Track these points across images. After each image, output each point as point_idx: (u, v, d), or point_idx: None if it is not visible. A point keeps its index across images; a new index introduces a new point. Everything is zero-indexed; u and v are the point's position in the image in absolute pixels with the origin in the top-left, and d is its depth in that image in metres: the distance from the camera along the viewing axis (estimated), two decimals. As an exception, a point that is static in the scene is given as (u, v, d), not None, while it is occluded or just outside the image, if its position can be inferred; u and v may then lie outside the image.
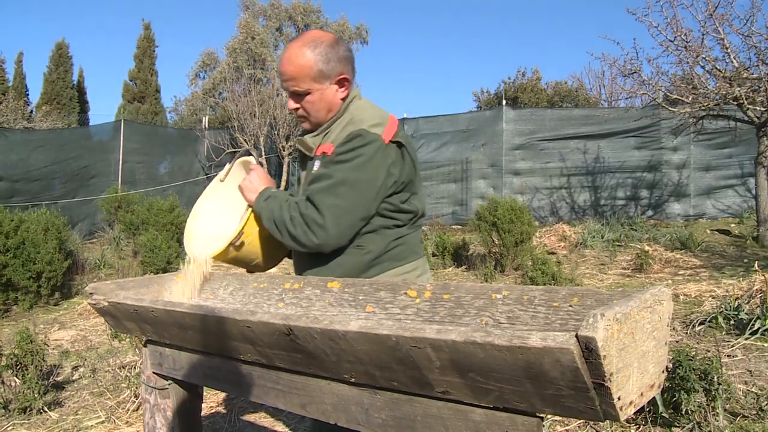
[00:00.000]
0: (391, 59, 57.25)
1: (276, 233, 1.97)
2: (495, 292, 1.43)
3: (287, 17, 26.21)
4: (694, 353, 3.34)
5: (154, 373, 2.02)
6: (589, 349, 0.91)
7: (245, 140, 16.56)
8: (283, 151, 16.64)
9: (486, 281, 7.50)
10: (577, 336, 0.91)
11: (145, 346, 2.05)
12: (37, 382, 4.06)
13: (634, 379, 1.05)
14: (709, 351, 4.04)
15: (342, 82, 2.05)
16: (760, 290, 5.15)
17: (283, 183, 16.61)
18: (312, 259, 2.02)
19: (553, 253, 9.20)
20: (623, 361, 1.00)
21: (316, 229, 1.84)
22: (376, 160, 1.86)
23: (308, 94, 2.00)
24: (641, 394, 1.08)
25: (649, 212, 12.99)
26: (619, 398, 0.98)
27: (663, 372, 1.17)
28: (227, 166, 2.34)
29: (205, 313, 1.54)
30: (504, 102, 15.66)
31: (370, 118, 1.96)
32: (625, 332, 1.00)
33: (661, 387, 1.17)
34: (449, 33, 57.98)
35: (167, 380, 2.02)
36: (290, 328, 1.30)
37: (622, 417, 1.01)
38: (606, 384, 0.94)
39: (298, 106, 2.04)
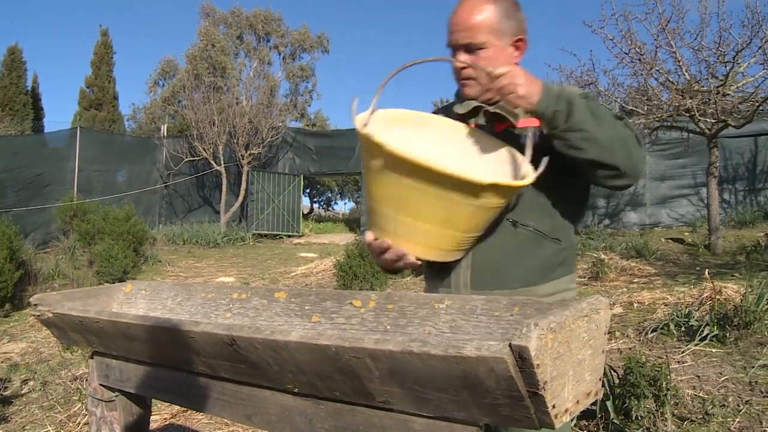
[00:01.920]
0: (352, 68, 57.39)
1: (613, 154, 1.54)
2: (438, 301, 1.45)
3: (248, 25, 26.13)
4: (644, 360, 3.40)
5: (100, 385, 1.99)
6: (522, 358, 0.93)
7: (204, 149, 16.42)
8: (242, 160, 16.53)
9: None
10: (510, 345, 0.93)
11: (91, 357, 2.01)
12: (-18, 397, 3.97)
13: (570, 387, 1.07)
14: (660, 358, 4.11)
15: (519, 45, 1.76)
16: (710, 297, 5.27)
17: (242, 193, 16.50)
18: (507, 252, 1.67)
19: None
20: (558, 369, 1.02)
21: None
22: None
23: (482, 48, 1.70)
24: (577, 402, 1.10)
25: (606, 221, 13.22)
26: (554, 406, 1.00)
27: (599, 380, 1.19)
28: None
29: (150, 323, 1.53)
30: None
31: None
32: (560, 341, 1.02)
33: (598, 395, 1.19)
34: (408, 42, 58.31)
35: (114, 392, 1.99)
36: (233, 338, 1.29)
37: (557, 424, 1.02)
38: (540, 392, 0.96)
39: (469, 60, 1.70)
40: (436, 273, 1.74)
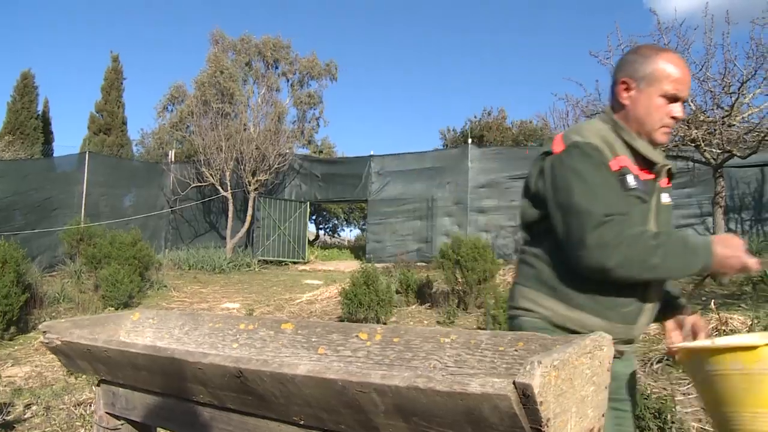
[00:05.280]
0: (360, 96, 57.82)
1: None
2: (443, 336, 1.46)
3: (257, 52, 26.35)
4: (649, 392, 3.39)
5: (106, 413, 2.01)
6: (526, 395, 0.95)
7: (211, 174, 16.50)
8: (249, 186, 16.59)
9: (449, 319, 7.53)
10: (514, 383, 0.94)
11: (98, 385, 2.03)
12: (-15, 422, 3.96)
13: (573, 423, 1.08)
14: (665, 389, 4.09)
15: None
16: (716, 328, 5.26)
17: (248, 219, 16.54)
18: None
19: (516, 291, 9.25)
20: (561, 406, 1.03)
21: None
22: None
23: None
24: (580, 439, 1.11)
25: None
26: (557, 443, 1.01)
27: (602, 416, 1.20)
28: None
29: (158, 354, 1.55)
30: (469, 140, 15.88)
31: None
32: (563, 378, 1.04)
33: (601, 430, 1.21)
34: (417, 71, 58.78)
35: (120, 420, 2.00)
36: (240, 370, 1.31)
37: (560, 461, 1.04)
38: (543, 429, 0.97)
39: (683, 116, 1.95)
40: None
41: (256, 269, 14.99)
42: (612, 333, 1.52)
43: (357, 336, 1.62)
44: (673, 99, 1.86)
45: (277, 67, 26.85)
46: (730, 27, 9.07)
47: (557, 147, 1.82)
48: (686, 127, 9.54)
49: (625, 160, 1.82)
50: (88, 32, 55.23)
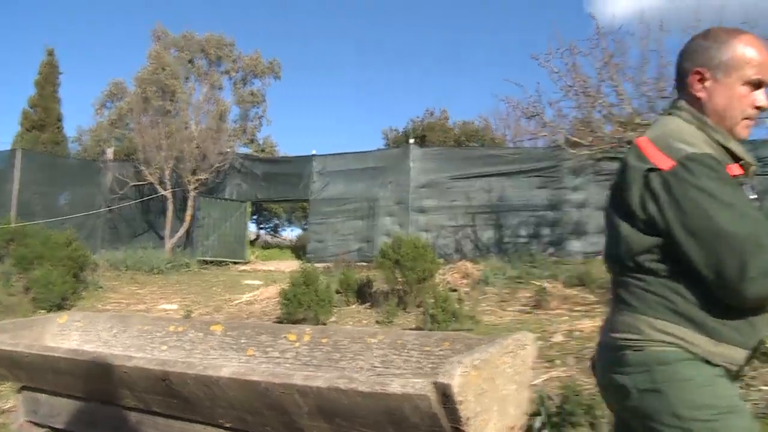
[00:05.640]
0: (304, 95, 57.51)
1: None
2: (371, 336, 1.47)
3: (199, 49, 25.95)
4: (581, 388, 3.46)
5: (28, 421, 1.94)
6: (445, 395, 0.96)
7: (150, 173, 16.18)
8: (189, 185, 16.34)
9: (388, 319, 7.55)
10: (434, 383, 0.95)
11: (19, 392, 1.97)
12: None
13: (494, 421, 1.09)
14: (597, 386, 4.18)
15: None
16: None
17: (187, 218, 16.28)
18: None
19: (455, 291, 9.33)
20: (482, 405, 1.04)
21: None
22: None
23: None
24: (502, 437, 1.13)
25: (551, 249, 13.41)
26: (477, 441, 1.03)
27: (525, 414, 1.22)
28: None
29: (81, 357, 1.51)
30: (411, 140, 15.96)
31: None
32: (484, 377, 1.05)
33: (523, 429, 1.23)
34: (361, 71, 58.78)
35: (43, 428, 1.94)
36: (166, 373, 1.29)
37: (481, 459, 1.05)
38: (463, 428, 0.99)
39: None
40: None
41: (196, 270, 14.75)
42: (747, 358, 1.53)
43: (285, 337, 1.61)
44: (757, 85, 1.70)
45: (220, 65, 26.51)
46: (664, 34, 9.35)
47: (662, 162, 1.61)
48: (622, 130, 9.81)
49: (735, 167, 1.65)
50: (20, 23, 53.41)
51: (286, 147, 35.02)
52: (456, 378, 0.90)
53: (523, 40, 49.54)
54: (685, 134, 1.66)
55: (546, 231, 13.67)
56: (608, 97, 10.26)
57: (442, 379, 0.90)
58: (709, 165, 1.55)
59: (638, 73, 9.71)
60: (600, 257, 12.80)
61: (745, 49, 1.67)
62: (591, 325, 6.49)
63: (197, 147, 16.53)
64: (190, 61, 25.95)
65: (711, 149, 1.61)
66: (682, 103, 1.78)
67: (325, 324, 7.33)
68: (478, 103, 61.30)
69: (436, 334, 1.40)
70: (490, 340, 1.25)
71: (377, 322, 7.74)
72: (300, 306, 7.29)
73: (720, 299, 1.53)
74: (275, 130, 60.18)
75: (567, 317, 7.30)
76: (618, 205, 1.70)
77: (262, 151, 26.16)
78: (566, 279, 9.79)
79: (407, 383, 0.92)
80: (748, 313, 1.57)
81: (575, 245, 13.44)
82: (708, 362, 1.57)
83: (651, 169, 1.60)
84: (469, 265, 11.01)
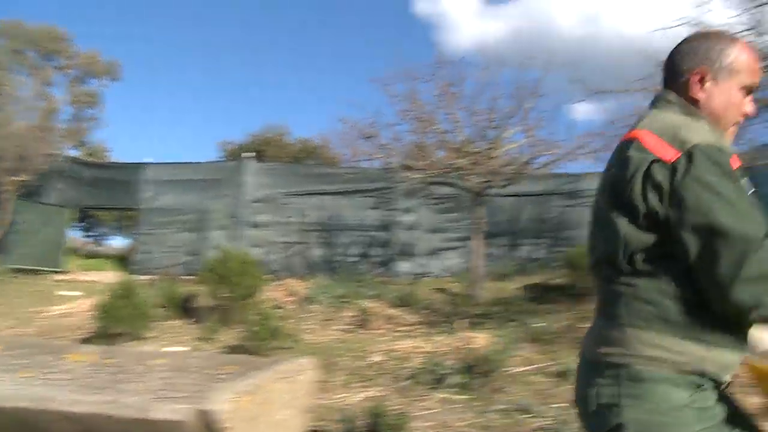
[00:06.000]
0: (144, 101, 55.20)
1: None
2: (156, 357, 1.45)
3: (29, 40, 24.17)
4: (388, 408, 3.57)
5: None
6: (210, 421, 0.96)
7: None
8: (6, 186, 15.11)
9: (209, 335, 7.40)
10: (199, 409, 0.96)
11: None
12: None
13: (267, 446, 1.11)
14: (408, 405, 4.33)
15: None
16: (460, 347, 5.67)
17: (4, 223, 15.04)
18: None
19: (280, 308, 9.30)
20: (253, 430, 1.06)
21: None
22: None
23: None
24: (274, 461, 1.15)
25: (380, 269, 13.70)
26: (245, 466, 1.04)
27: (301, 438, 1.25)
28: None
29: None
30: (247, 154, 15.78)
31: None
32: (257, 402, 1.07)
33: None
34: (203, 82, 57.31)
35: None
36: None
37: (248, 484, 1.06)
38: (229, 454, 1.00)
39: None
40: None
41: (5, 278, 13.65)
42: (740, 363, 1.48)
43: (69, 357, 1.54)
44: (749, 91, 1.70)
45: (52, 60, 24.85)
46: (499, 69, 10.06)
47: (665, 153, 1.54)
48: (455, 156, 10.34)
49: (735, 159, 1.57)
50: None
51: (122, 153, 33.45)
52: (222, 403, 0.91)
53: (370, 63, 50.48)
54: (691, 125, 1.60)
55: (376, 251, 13.96)
56: (442, 124, 10.80)
57: (206, 405, 0.91)
58: (714, 157, 1.50)
59: (472, 102, 10.35)
60: (427, 278, 13.34)
61: (744, 54, 1.69)
62: (410, 345, 6.70)
63: (19, 146, 15.35)
64: (18, 52, 24.12)
65: (715, 139, 1.57)
66: (674, 96, 1.73)
67: (145, 339, 7.07)
68: (320, 121, 61.86)
69: (224, 357, 1.40)
70: (271, 365, 1.27)
71: (198, 338, 7.54)
72: (116, 320, 6.96)
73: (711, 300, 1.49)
74: (112, 135, 57.17)
75: (388, 337, 7.48)
76: (615, 202, 1.62)
77: (90, 155, 24.77)
78: (391, 299, 10.04)
79: (172, 409, 0.92)
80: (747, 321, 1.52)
81: (403, 266, 13.81)
82: (693, 383, 1.50)
83: (655, 161, 1.54)
84: (295, 282, 11.02)
